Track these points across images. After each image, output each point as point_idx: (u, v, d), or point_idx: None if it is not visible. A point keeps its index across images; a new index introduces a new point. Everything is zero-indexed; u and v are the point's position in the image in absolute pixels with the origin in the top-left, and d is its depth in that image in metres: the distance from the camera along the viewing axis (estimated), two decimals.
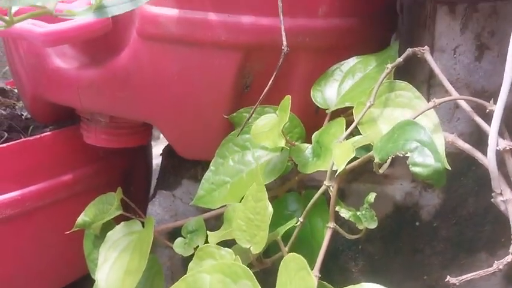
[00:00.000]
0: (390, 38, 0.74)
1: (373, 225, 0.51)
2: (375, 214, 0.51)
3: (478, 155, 0.50)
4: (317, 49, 0.61)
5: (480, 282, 0.67)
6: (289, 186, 0.62)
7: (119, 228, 0.63)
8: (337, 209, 0.51)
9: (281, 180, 0.64)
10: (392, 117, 0.53)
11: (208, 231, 0.56)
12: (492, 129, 0.47)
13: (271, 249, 0.56)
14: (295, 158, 0.57)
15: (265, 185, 0.55)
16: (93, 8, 0.39)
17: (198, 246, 0.57)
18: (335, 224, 0.51)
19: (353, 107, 0.56)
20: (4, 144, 0.66)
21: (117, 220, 0.65)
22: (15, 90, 0.96)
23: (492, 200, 0.50)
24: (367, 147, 0.51)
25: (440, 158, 0.41)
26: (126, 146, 0.68)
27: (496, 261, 0.46)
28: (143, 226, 0.63)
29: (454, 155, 0.62)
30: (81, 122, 0.69)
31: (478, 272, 0.45)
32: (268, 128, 0.55)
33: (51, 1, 0.37)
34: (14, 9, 0.37)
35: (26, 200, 0.68)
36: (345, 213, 0.51)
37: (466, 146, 0.51)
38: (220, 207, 0.61)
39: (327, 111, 0.60)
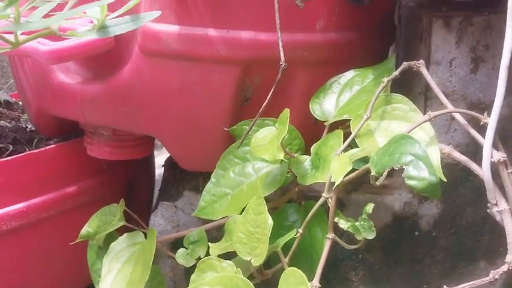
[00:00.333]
0: (388, 50, 0.75)
1: (371, 236, 0.52)
2: (373, 224, 0.52)
3: (473, 166, 0.51)
4: (315, 63, 0.62)
5: None
6: (289, 197, 0.63)
7: (122, 239, 0.65)
8: (336, 220, 0.52)
9: (281, 191, 0.65)
10: (389, 130, 0.54)
11: (209, 243, 0.57)
12: (486, 142, 0.48)
13: (272, 260, 0.57)
14: (295, 169, 0.58)
15: (265, 196, 0.56)
16: (96, 28, 0.41)
17: (199, 257, 0.58)
18: (334, 235, 0.52)
19: (351, 119, 0.57)
20: (9, 157, 0.68)
21: (121, 231, 0.66)
22: (20, 103, 0.97)
23: (488, 210, 0.51)
24: (365, 159, 0.52)
25: (435, 172, 0.42)
26: (129, 158, 0.70)
27: (492, 271, 0.47)
28: (146, 237, 0.65)
29: (451, 165, 0.63)
30: (85, 135, 0.71)
31: (474, 281, 0.46)
32: (267, 140, 0.56)
33: (56, 23, 0.38)
34: (19, 31, 0.38)
35: (30, 211, 0.69)
36: (343, 224, 0.52)
37: (462, 158, 0.52)
38: (221, 218, 0.62)
39: (325, 123, 0.61)
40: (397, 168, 0.43)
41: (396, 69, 0.58)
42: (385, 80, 0.55)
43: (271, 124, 0.60)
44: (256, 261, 0.47)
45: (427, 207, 0.65)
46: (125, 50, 0.60)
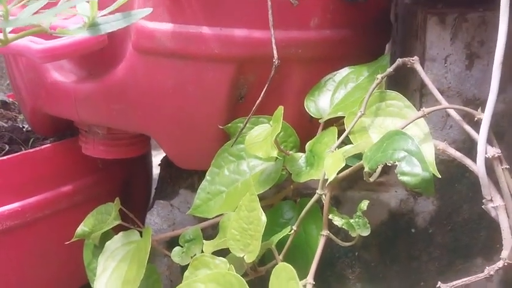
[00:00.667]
0: (385, 48, 0.75)
1: (366, 233, 0.51)
2: (368, 221, 0.52)
3: (468, 162, 0.51)
4: (310, 60, 0.62)
5: None
6: (285, 194, 0.63)
7: (117, 238, 0.64)
8: (330, 216, 0.52)
9: (276, 188, 0.65)
10: (383, 126, 0.54)
11: (204, 240, 0.57)
12: (480, 137, 0.48)
13: (267, 258, 0.57)
14: (289, 167, 0.58)
15: (260, 193, 0.56)
16: (86, 26, 0.40)
17: (195, 255, 0.58)
18: (329, 232, 0.52)
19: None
20: (5, 157, 0.67)
21: (116, 230, 0.66)
22: (17, 103, 0.97)
23: (483, 206, 0.51)
24: (359, 156, 0.52)
25: (428, 168, 0.42)
26: (123, 156, 0.70)
27: (487, 267, 0.47)
28: (141, 236, 0.64)
29: (447, 162, 0.63)
30: (80, 134, 0.70)
31: (469, 277, 0.46)
32: (261, 138, 0.56)
33: (45, 20, 0.38)
34: (9, 28, 0.38)
35: (26, 211, 0.69)
36: (338, 221, 0.52)
37: (456, 154, 0.52)
38: (217, 216, 0.62)
39: (320, 120, 0.61)
40: (390, 164, 0.43)
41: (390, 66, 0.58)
42: (379, 76, 0.55)
43: (266, 122, 0.60)
44: (249, 258, 0.47)
45: (423, 204, 0.65)
46: (119, 49, 0.60)
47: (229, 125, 0.63)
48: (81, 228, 0.67)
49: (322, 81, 0.62)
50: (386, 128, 0.53)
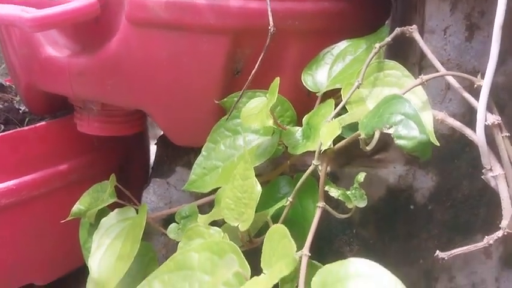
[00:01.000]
0: (384, 24, 0.74)
1: (362, 204, 0.50)
2: (365, 193, 0.51)
3: (467, 131, 0.50)
4: (307, 33, 0.61)
5: (477, 265, 0.67)
6: (281, 170, 0.62)
7: (113, 215, 0.64)
8: (326, 188, 0.51)
9: (273, 165, 0.64)
10: (381, 96, 0.52)
11: (199, 215, 0.56)
12: (480, 104, 0.47)
13: (264, 232, 0.56)
14: (286, 140, 0.57)
15: (257, 169, 0.55)
16: None
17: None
18: (325, 204, 0.51)
19: None
20: None
21: (112, 208, 0.65)
22: (14, 87, 0.97)
23: (482, 176, 0.50)
24: (356, 129, 0.51)
25: (425, 130, 0.41)
26: (118, 134, 0.69)
27: (486, 237, 0.46)
28: (137, 213, 0.64)
29: (446, 136, 0.62)
30: (75, 111, 0.70)
31: (468, 246, 0.45)
32: (258, 110, 0.55)
33: None
34: None
35: (21, 189, 0.68)
36: (334, 192, 0.51)
37: (455, 123, 0.51)
38: (213, 194, 0.61)
39: (317, 94, 0.60)
40: (386, 128, 0.42)
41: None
42: (377, 45, 0.54)
43: (262, 95, 0.59)
44: (243, 226, 0.46)
45: (422, 180, 0.64)
46: (113, 22, 0.59)
47: (225, 99, 0.62)
48: (77, 207, 0.66)
49: (320, 55, 0.61)
50: None
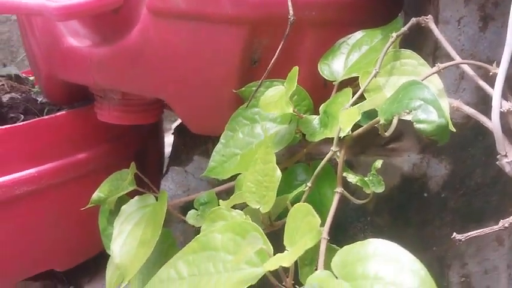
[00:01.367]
0: (398, 15, 0.75)
1: (380, 189, 0.52)
2: (382, 179, 0.52)
3: (482, 118, 0.51)
4: (324, 23, 0.62)
5: (489, 253, 0.68)
6: (298, 158, 0.63)
7: (133, 202, 0.65)
8: (344, 174, 0.52)
9: (289, 153, 0.65)
10: (398, 85, 0.53)
11: (220, 201, 0.57)
12: (496, 91, 0.48)
13: (283, 216, 0.57)
14: (304, 128, 0.58)
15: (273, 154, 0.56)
16: None
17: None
18: (343, 189, 0.52)
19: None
20: (20, 123, 0.68)
21: (132, 196, 0.66)
22: (30, 78, 0.98)
23: (497, 162, 0.51)
24: (372, 117, 0.52)
25: (444, 114, 0.42)
26: (138, 123, 0.70)
27: (501, 220, 0.47)
28: (157, 200, 0.65)
29: (460, 125, 0.63)
30: (95, 101, 0.71)
31: (483, 229, 0.46)
32: (276, 98, 0.57)
33: None
34: None
35: (42, 177, 0.70)
36: (352, 178, 0.52)
37: (470, 111, 0.52)
38: (230, 182, 0.63)
39: (334, 83, 0.61)
40: (405, 114, 0.43)
41: None
42: (394, 35, 0.55)
43: (279, 85, 0.60)
44: (265, 209, 0.47)
45: (436, 168, 0.65)
46: (133, 12, 0.60)
47: (243, 89, 0.63)
48: (97, 194, 0.67)
49: (336, 45, 0.63)
50: None
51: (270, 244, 0.43)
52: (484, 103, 0.61)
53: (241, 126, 0.62)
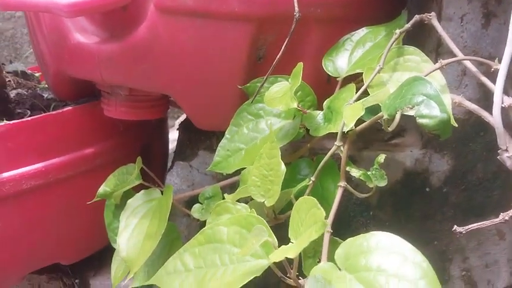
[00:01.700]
0: (401, 12, 0.75)
1: (383, 183, 0.53)
2: (385, 173, 0.53)
3: (484, 113, 0.52)
4: (329, 20, 0.63)
5: (490, 247, 0.69)
6: (301, 153, 0.64)
7: (139, 196, 0.66)
8: (347, 168, 0.53)
9: (293, 148, 0.66)
10: (401, 81, 0.54)
11: (225, 194, 0.58)
12: (497, 87, 0.49)
13: (286, 210, 0.58)
14: (308, 123, 0.59)
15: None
16: None
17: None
18: (346, 183, 0.53)
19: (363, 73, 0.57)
20: (28, 118, 0.69)
21: (137, 190, 0.67)
22: (36, 74, 0.99)
23: (498, 157, 0.52)
24: (375, 113, 0.53)
25: (446, 109, 0.43)
26: (145, 118, 0.71)
27: (502, 213, 0.48)
28: (162, 194, 0.66)
29: (462, 120, 0.64)
30: (102, 96, 0.72)
31: (484, 222, 0.47)
32: (281, 93, 0.57)
33: None
34: None
35: (49, 171, 0.71)
36: (355, 172, 0.53)
37: (472, 106, 0.53)
38: (234, 176, 0.63)
39: (338, 79, 0.62)
40: (408, 109, 0.44)
41: None
42: (398, 31, 0.56)
43: (284, 81, 0.61)
44: (270, 202, 0.48)
45: (437, 164, 0.66)
46: (141, 9, 0.61)
47: (248, 84, 0.64)
48: (103, 189, 0.68)
49: (341, 42, 0.63)
50: None
51: (274, 237, 0.44)
52: (485, 99, 0.62)
53: (246, 122, 0.63)
